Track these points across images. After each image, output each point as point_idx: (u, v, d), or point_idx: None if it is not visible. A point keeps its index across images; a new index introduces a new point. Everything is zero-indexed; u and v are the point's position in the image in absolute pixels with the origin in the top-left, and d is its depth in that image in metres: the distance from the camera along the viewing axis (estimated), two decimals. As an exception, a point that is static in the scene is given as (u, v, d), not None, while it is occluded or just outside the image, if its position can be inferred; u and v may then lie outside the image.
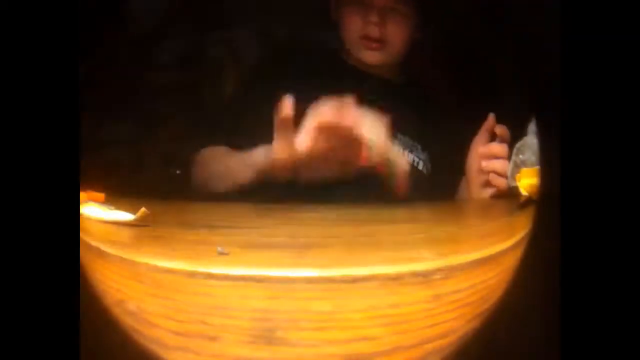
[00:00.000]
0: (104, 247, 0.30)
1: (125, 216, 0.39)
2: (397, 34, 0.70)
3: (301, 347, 0.25)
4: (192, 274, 0.26)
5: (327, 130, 0.50)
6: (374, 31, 0.69)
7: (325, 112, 0.50)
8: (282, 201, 0.51)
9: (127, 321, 0.28)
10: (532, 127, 0.57)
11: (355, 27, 0.70)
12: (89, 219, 0.39)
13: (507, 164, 0.59)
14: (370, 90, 0.66)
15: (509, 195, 0.55)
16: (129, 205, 0.39)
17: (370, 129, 0.50)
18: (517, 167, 0.56)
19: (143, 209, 0.38)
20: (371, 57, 0.71)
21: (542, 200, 0.37)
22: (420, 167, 0.72)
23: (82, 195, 0.41)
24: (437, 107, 0.77)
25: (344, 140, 0.50)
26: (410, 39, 0.72)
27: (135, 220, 0.38)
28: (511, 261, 0.32)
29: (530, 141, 0.57)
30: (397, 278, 0.26)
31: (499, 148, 0.61)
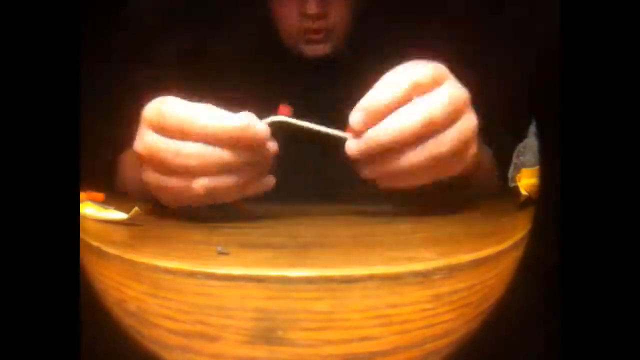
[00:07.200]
0: (104, 247, 0.30)
1: (119, 215, 0.39)
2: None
3: (301, 347, 0.25)
4: (192, 274, 0.26)
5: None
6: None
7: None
8: (281, 201, 0.51)
9: (127, 321, 0.28)
10: (532, 128, 0.57)
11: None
12: (86, 218, 0.39)
13: None
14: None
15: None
16: (129, 205, 0.39)
17: None
18: (518, 168, 0.56)
19: (136, 208, 0.38)
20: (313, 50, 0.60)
21: (542, 200, 0.37)
22: None
23: (81, 194, 0.41)
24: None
25: None
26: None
27: (128, 219, 0.38)
28: (511, 261, 0.32)
29: (531, 143, 0.57)
30: (396, 278, 0.26)
31: None
